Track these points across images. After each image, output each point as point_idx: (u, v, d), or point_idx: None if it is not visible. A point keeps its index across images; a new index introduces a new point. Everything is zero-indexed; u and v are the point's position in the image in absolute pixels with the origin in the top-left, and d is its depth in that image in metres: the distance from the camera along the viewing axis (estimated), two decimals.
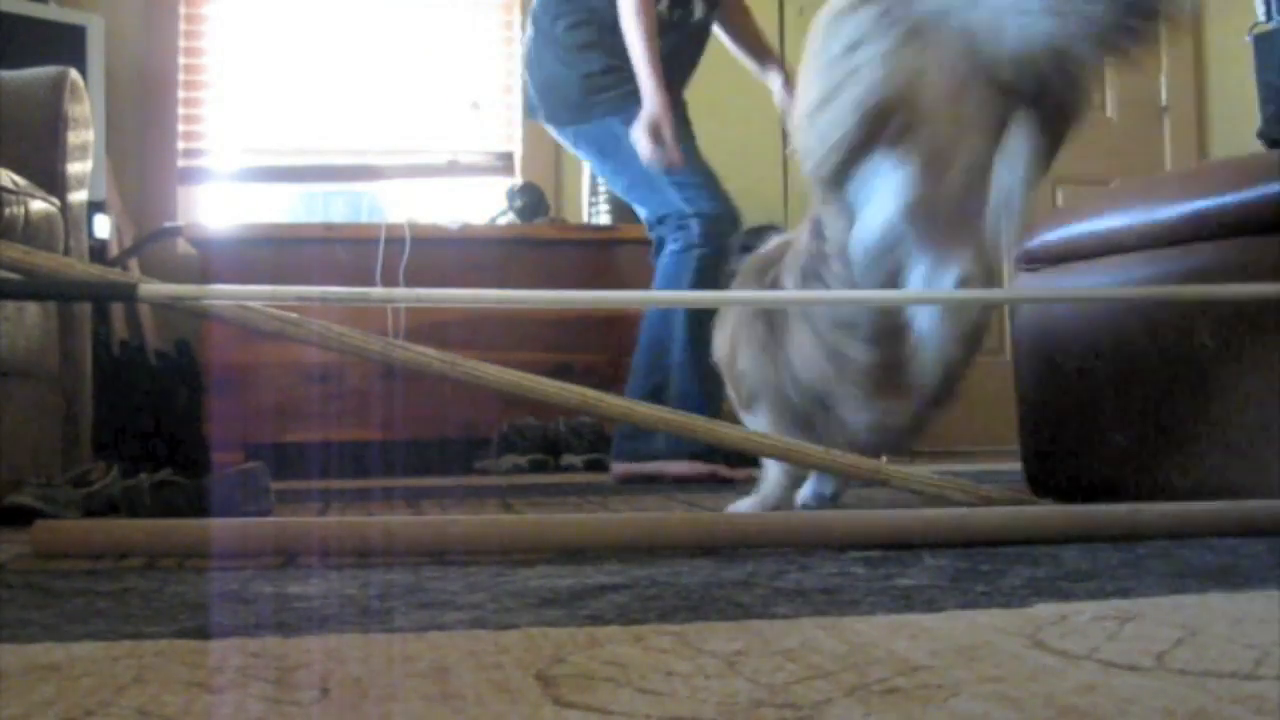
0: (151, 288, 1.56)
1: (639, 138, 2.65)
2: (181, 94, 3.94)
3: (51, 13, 3.41)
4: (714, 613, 0.99)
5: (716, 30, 2.94)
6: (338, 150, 4.07)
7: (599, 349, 3.40)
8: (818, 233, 1.69)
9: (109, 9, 3.70)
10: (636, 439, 2.79)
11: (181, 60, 3.94)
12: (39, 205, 2.15)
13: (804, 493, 1.96)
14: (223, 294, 1.70)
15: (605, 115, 2.77)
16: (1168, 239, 1.74)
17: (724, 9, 2.92)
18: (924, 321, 1.56)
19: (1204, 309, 1.66)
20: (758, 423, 1.82)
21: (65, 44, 3.32)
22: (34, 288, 1.68)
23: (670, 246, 2.77)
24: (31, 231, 2.09)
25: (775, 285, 1.79)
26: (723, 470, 2.86)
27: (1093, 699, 0.69)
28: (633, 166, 2.75)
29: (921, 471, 1.81)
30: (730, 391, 1.91)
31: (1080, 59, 1.40)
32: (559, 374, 2.77)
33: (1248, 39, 2.58)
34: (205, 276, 3.32)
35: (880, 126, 1.43)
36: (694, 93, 2.97)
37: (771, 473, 1.85)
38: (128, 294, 1.60)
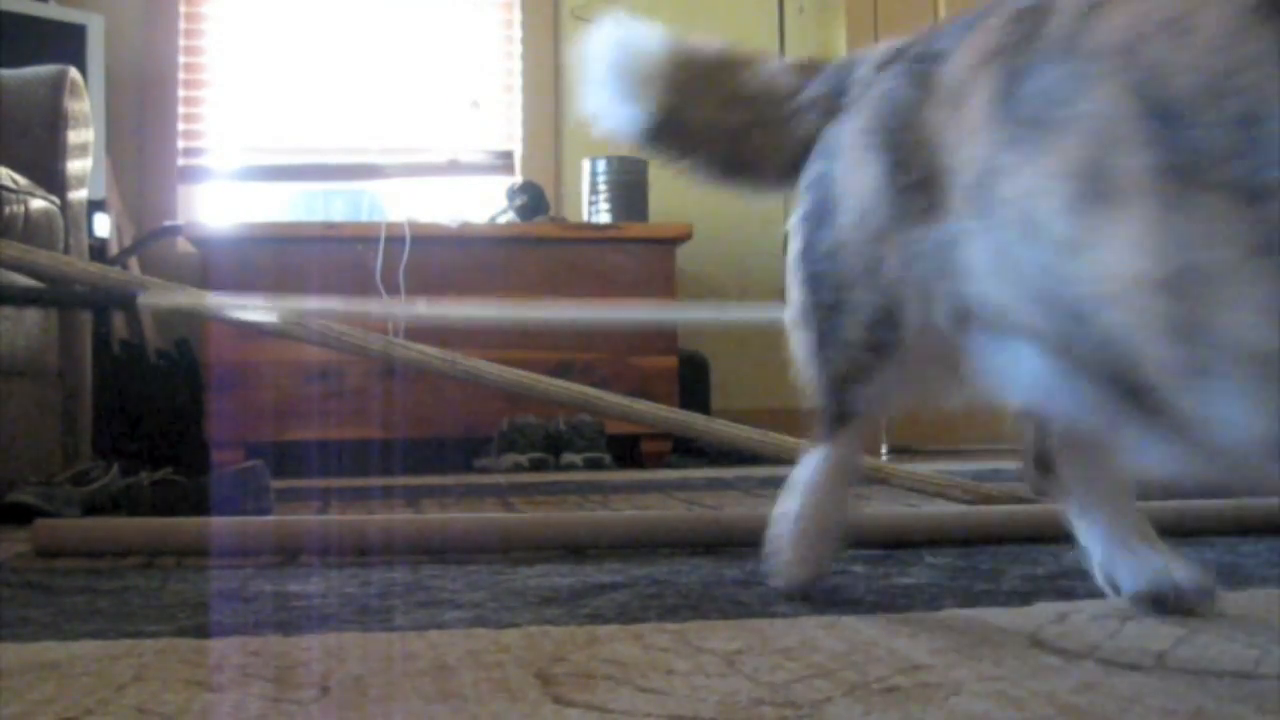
0: (151, 296, 1.56)
1: None
2: (181, 93, 3.94)
3: (51, 11, 3.41)
4: (714, 611, 0.99)
5: None
6: (338, 149, 4.07)
7: (599, 347, 3.40)
8: None
9: (109, 8, 3.70)
10: None
11: (181, 59, 3.94)
12: (39, 204, 2.15)
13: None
14: (220, 304, 1.71)
15: None
16: None
17: None
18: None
19: None
20: None
21: (65, 43, 3.31)
22: (37, 295, 1.68)
23: None
24: (31, 230, 2.09)
25: None
26: None
27: (1093, 698, 0.69)
28: None
29: (922, 471, 1.81)
30: None
31: None
32: (559, 372, 2.79)
33: None
34: (205, 275, 3.32)
35: None
36: None
37: None
38: (126, 301, 1.60)
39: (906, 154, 0.97)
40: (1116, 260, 0.75)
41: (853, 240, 1.02)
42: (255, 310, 1.58)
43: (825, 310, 1.05)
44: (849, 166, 1.03)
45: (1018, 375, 0.93)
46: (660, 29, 1.20)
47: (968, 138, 0.90)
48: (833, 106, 1.09)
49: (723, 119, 1.20)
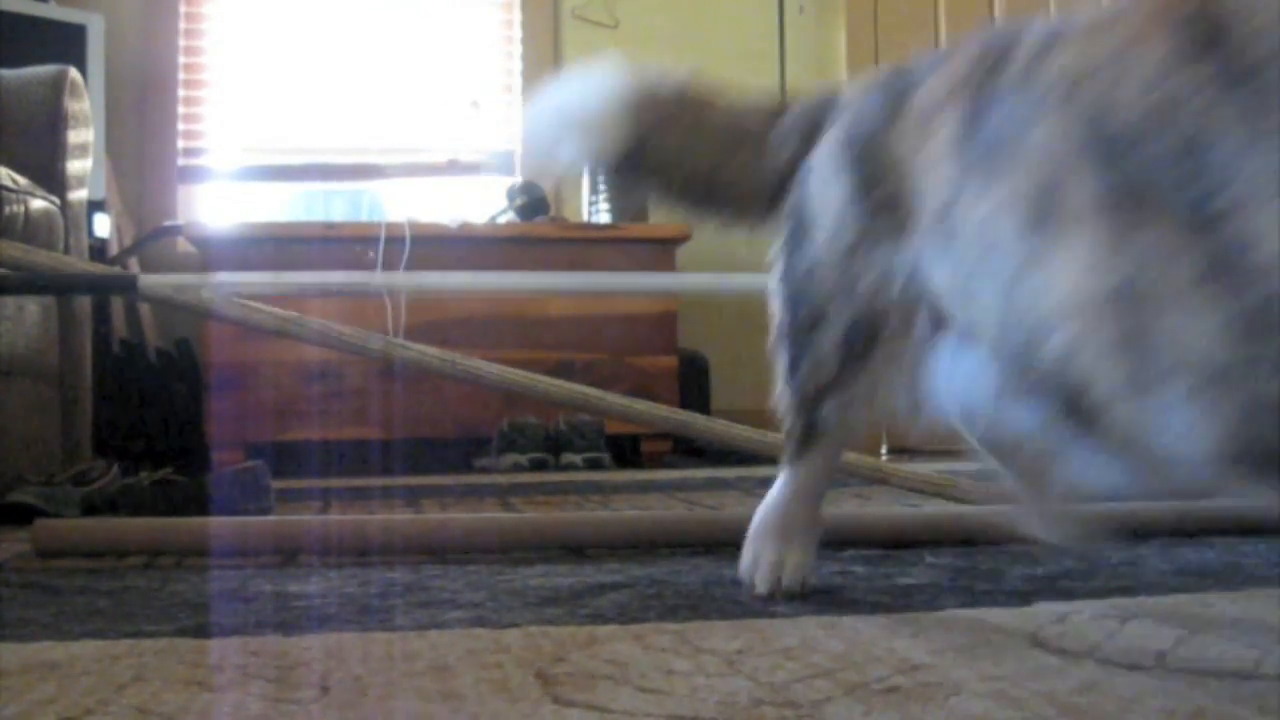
0: (152, 279, 1.56)
1: None
2: (181, 93, 3.94)
3: (51, 11, 3.41)
4: (714, 611, 0.99)
5: None
6: (338, 149, 4.07)
7: (599, 348, 3.40)
8: None
9: (109, 8, 3.70)
10: None
11: (181, 60, 3.94)
12: (39, 204, 2.15)
13: None
14: (223, 283, 1.71)
15: None
16: None
17: None
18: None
19: None
20: None
21: (65, 43, 3.31)
22: (39, 282, 1.68)
23: None
24: (31, 230, 2.09)
25: None
26: None
27: (1093, 698, 0.69)
28: None
29: (921, 471, 1.81)
30: None
31: None
32: (559, 372, 2.79)
33: None
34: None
35: None
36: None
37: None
38: (128, 287, 1.60)
39: (877, 172, 0.99)
40: (1067, 282, 0.78)
41: (828, 254, 1.04)
42: (258, 284, 1.58)
43: (801, 327, 1.08)
44: (822, 183, 1.06)
45: (973, 392, 0.96)
46: (616, 69, 1.20)
47: (934, 162, 0.93)
48: (811, 137, 1.11)
49: (692, 148, 1.21)
